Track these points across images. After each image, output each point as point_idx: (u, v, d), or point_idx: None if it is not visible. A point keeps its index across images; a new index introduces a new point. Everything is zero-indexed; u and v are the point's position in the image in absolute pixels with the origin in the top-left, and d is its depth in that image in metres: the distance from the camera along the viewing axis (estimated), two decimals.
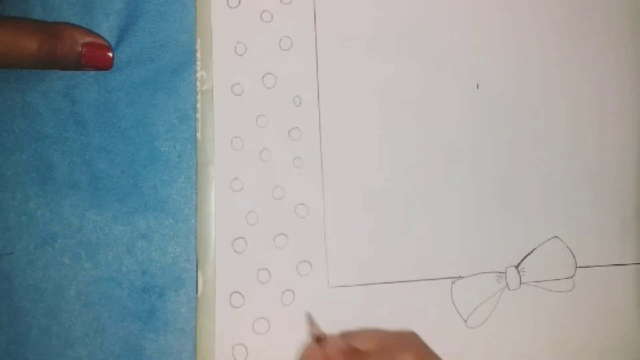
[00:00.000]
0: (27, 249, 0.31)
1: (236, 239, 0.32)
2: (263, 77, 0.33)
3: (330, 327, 0.33)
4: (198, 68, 0.33)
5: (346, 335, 0.32)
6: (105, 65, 0.32)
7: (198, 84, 0.33)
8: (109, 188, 0.32)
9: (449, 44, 0.35)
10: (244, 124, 0.33)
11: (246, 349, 0.32)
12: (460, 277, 0.34)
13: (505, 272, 0.35)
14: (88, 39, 0.31)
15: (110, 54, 0.31)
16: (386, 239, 0.34)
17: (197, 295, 0.32)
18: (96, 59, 0.31)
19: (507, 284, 0.35)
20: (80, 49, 0.30)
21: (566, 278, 0.35)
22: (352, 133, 0.34)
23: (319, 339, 0.31)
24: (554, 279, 0.35)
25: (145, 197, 0.33)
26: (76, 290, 0.32)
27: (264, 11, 0.33)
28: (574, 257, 0.36)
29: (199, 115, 0.33)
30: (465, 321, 0.34)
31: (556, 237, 0.35)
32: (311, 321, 0.32)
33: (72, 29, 0.31)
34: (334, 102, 0.34)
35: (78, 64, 0.31)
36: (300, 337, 0.33)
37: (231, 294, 0.32)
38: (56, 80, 0.32)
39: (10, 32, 0.29)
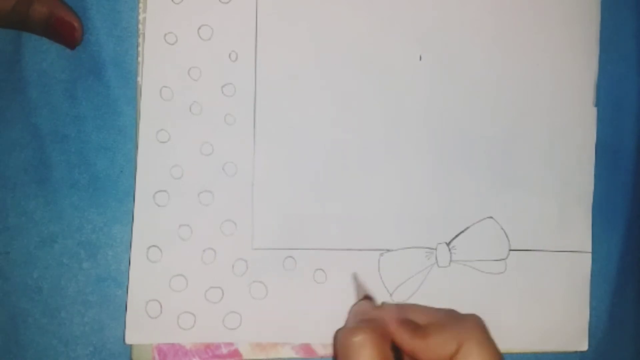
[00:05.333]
0: (27, 249, 0.31)
1: (158, 191, 0.32)
2: (199, 28, 0.32)
3: (253, 289, 0.32)
4: (140, 11, 0.32)
5: (400, 307, 0.31)
6: (69, 43, 0.31)
7: (140, 26, 0.32)
8: (108, 188, 0.32)
9: (394, 11, 0.34)
10: (175, 75, 0.32)
11: (160, 305, 0.31)
12: (389, 250, 0.34)
13: (435, 249, 0.34)
14: (59, 12, 0.30)
15: (77, 34, 0.31)
16: (316, 205, 0.33)
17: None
18: (61, 35, 0.30)
19: (436, 260, 0.34)
20: (50, 19, 0.30)
21: (498, 260, 0.35)
22: (288, 93, 0.33)
23: (368, 299, 0.30)
24: (486, 260, 0.35)
25: None
26: (75, 290, 0.32)
27: None
28: (507, 239, 0.35)
29: (140, 59, 0.32)
30: (390, 295, 0.33)
31: (491, 217, 0.35)
32: (358, 281, 0.31)
33: None
34: (272, 60, 0.33)
35: (46, 32, 0.30)
36: (218, 296, 0.32)
37: (149, 247, 0.31)
38: (55, 75, 0.32)
39: None
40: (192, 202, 0.32)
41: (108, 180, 0.32)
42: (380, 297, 0.33)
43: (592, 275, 0.36)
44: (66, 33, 0.30)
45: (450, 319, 0.29)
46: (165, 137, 0.32)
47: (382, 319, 0.29)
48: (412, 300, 0.34)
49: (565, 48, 0.36)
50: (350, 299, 0.33)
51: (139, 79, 0.32)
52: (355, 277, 0.31)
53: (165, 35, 0.32)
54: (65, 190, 0.32)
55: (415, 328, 0.28)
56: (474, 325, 0.28)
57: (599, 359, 0.37)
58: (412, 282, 0.34)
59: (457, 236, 0.34)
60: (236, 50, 0.32)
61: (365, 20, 0.34)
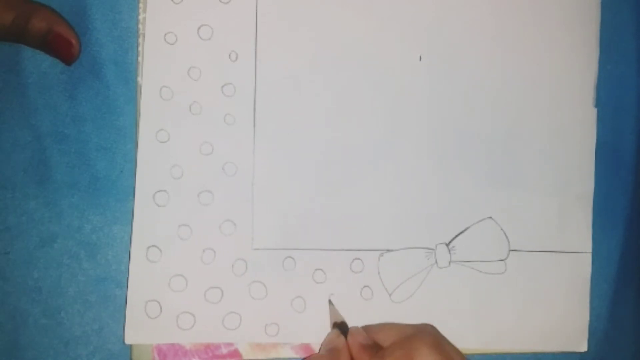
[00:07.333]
0: (27, 249, 0.31)
1: (158, 191, 0.32)
2: (199, 28, 0.32)
3: (253, 289, 0.32)
4: (140, 11, 0.32)
5: (368, 329, 0.31)
6: (66, 59, 0.31)
7: (140, 26, 0.32)
8: (108, 188, 0.32)
9: (394, 11, 0.34)
10: (175, 74, 0.32)
11: (160, 305, 0.31)
12: (388, 251, 0.34)
13: (435, 249, 0.34)
14: (57, 28, 0.30)
15: (73, 51, 0.30)
16: (315, 205, 0.33)
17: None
18: (58, 51, 0.30)
19: (436, 261, 0.34)
20: (48, 34, 0.30)
21: (498, 260, 0.35)
22: (288, 93, 0.33)
23: (341, 327, 0.31)
24: (486, 260, 0.35)
25: None
26: (75, 290, 0.32)
27: None
28: (507, 239, 0.35)
29: (140, 59, 0.32)
30: (390, 295, 0.33)
31: (491, 217, 0.35)
32: (332, 308, 0.32)
33: (46, 11, 0.30)
34: (272, 60, 0.33)
35: (44, 47, 0.30)
36: (218, 297, 0.32)
37: (148, 247, 0.31)
38: (55, 75, 0.32)
39: None
40: (192, 202, 0.32)
41: (108, 180, 0.32)
42: (378, 297, 0.33)
43: (592, 276, 0.36)
44: (63, 49, 0.30)
45: (404, 336, 0.29)
46: (165, 137, 0.32)
47: (344, 347, 0.30)
48: (412, 301, 0.34)
49: (565, 48, 0.36)
50: (351, 298, 0.33)
51: (139, 79, 0.32)
52: (330, 302, 0.32)
53: (165, 35, 0.32)
54: (65, 190, 0.32)
55: (374, 352, 0.29)
56: (422, 338, 0.28)
57: (598, 359, 0.36)
58: (412, 283, 0.34)
59: (456, 236, 0.34)
60: (236, 50, 0.32)
61: (365, 20, 0.34)
